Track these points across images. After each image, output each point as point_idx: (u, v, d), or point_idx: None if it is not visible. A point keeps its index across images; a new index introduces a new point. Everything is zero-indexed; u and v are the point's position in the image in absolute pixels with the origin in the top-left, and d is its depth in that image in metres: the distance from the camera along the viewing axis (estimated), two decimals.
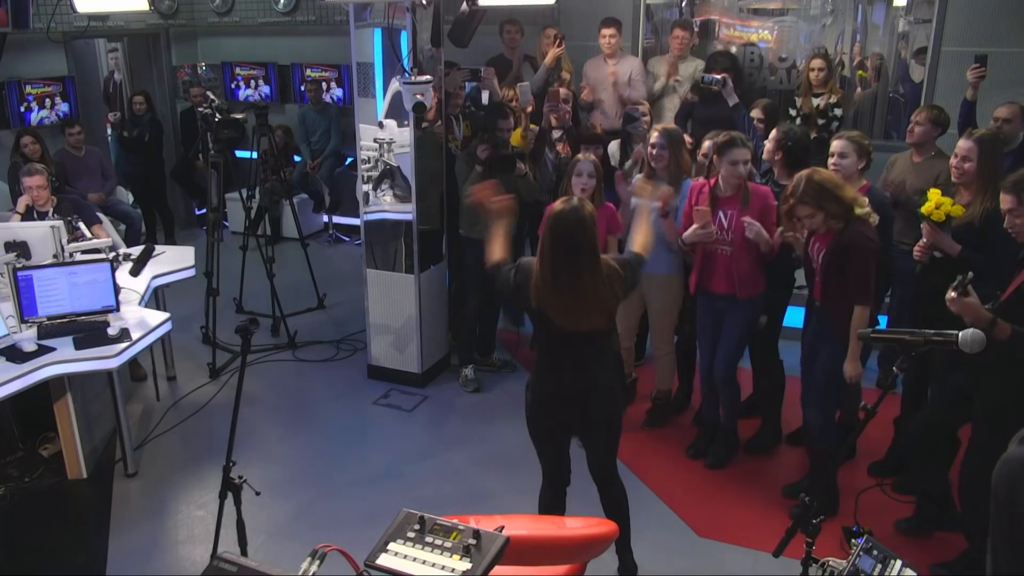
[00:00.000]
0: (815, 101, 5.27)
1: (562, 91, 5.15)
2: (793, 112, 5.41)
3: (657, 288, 4.34)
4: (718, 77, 4.63)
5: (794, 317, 4.44)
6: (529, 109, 5.18)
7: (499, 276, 3.07)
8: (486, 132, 4.79)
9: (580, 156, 4.22)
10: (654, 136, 4.22)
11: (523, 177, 4.76)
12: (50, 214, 4.83)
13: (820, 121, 5.18)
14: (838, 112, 5.22)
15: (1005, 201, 3.02)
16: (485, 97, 5.40)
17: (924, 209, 3.50)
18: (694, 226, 3.87)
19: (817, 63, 5.34)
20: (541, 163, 5.01)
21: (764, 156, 4.11)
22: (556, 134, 5.04)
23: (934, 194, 3.51)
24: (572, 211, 2.83)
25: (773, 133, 4.05)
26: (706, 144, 4.25)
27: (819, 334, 3.70)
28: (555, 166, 4.97)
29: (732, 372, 4.09)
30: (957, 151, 3.65)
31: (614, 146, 5.09)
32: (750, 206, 3.82)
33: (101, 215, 5.53)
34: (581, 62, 5.96)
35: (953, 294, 2.73)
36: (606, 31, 5.69)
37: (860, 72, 6.30)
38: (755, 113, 4.75)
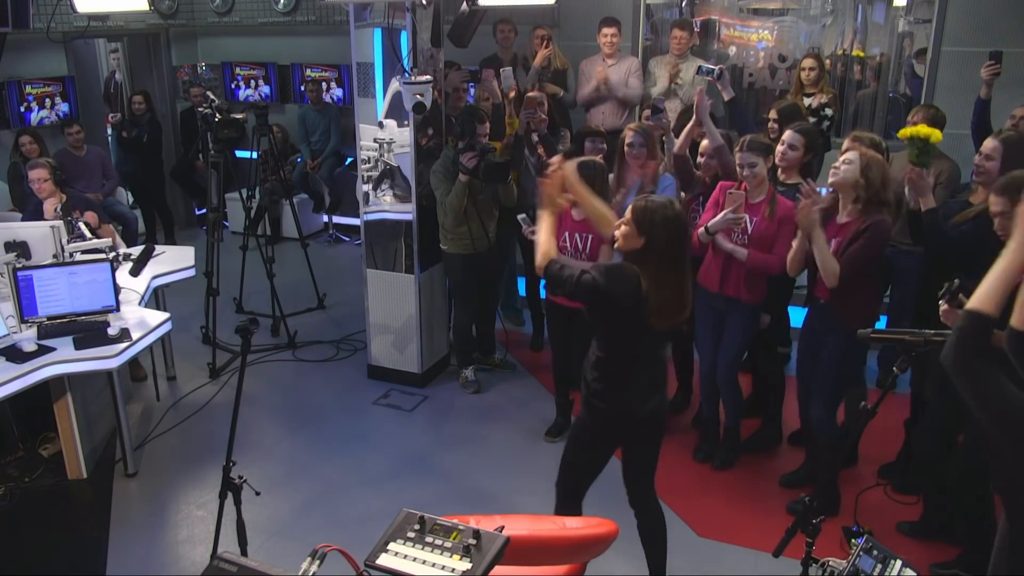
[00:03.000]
0: (806, 101, 5.27)
1: (534, 93, 5.08)
2: None
3: None
4: (715, 68, 4.60)
5: (795, 317, 4.46)
6: (511, 94, 5.12)
7: (559, 277, 2.83)
8: (468, 139, 4.60)
9: (584, 158, 4.08)
10: (630, 136, 4.17)
11: (506, 185, 4.72)
12: (57, 210, 4.85)
13: (811, 119, 5.18)
14: (828, 112, 5.21)
15: (996, 203, 2.96)
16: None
17: (901, 133, 3.54)
18: (724, 211, 3.78)
19: (808, 63, 5.32)
20: (523, 168, 4.99)
21: (777, 161, 4.06)
22: (536, 137, 5.01)
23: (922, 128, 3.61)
24: (672, 204, 2.80)
25: (789, 135, 3.96)
26: (704, 143, 4.22)
27: (819, 331, 3.71)
28: (538, 169, 4.94)
29: (734, 375, 4.08)
30: (982, 149, 3.64)
31: None
32: (773, 217, 3.78)
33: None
34: (580, 62, 5.95)
35: (945, 306, 2.66)
36: (607, 31, 5.68)
37: (858, 52, 6.29)
38: (771, 114, 4.62)
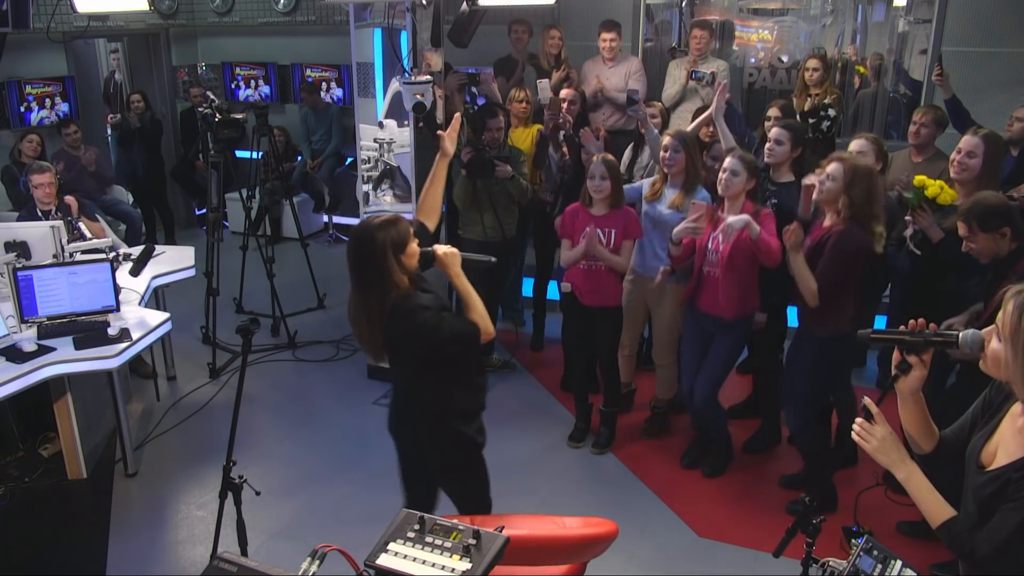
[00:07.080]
0: (810, 101, 5.26)
1: (567, 92, 5.09)
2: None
3: (664, 296, 4.26)
4: (705, 73, 4.59)
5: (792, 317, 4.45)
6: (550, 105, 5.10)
7: None
8: (476, 134, 4.67)
9: (596, 157, 4.05)
10: (667, 140, 4.10)
11: (512, 180, 4.71)
12: (53, 212, 4.85)
13: (811, 120, 5.17)
14: (831, 112, 5.20)
15: (960, 228, 3.05)
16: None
17: (930, 192, 3.49)
18: (685, 220, 3.77)
19: (812, 63, 5.31)
20: (545, 164, 4.99)
21: (766, 158, 4.04)
22: (561, 136, 4.99)
23: (931, 181, 3.53)
24: (363, 226, 2.66)
25: (777, 132, 3.97)
26: (716, 146, 4.22)
27: (800, 336, 3.70)
28: (559, 167, 4.94)
29: (714, 395, 3.99)
30: (962, 146, 3.61)
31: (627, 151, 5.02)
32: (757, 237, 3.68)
33: (100, 216, 5.53)
34: (581, 62, 5.95)
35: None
36: (606, 35, 5.64)
37: (860, 68, 6.28)
38: (772, 111, 4.56)
